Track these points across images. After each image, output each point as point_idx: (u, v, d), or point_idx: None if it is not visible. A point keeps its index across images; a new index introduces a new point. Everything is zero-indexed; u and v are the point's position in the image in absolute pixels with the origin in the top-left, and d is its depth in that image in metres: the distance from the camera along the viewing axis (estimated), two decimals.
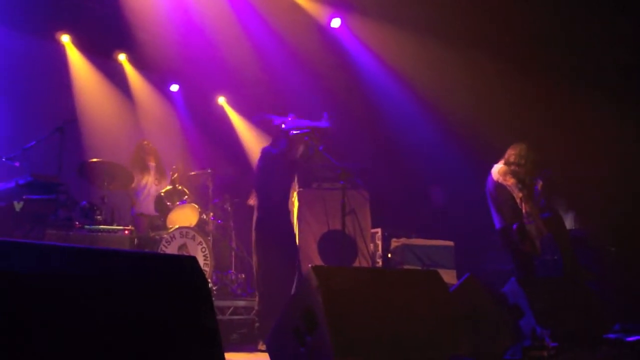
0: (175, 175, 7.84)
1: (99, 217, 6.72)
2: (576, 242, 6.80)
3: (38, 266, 1.99)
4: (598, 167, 7.51)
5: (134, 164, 7.96)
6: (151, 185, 7.99)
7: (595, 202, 7.53)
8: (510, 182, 6.13)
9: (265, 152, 6.13)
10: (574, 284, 5.27)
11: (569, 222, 7.24)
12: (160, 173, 8.13)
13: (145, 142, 8.28)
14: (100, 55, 9.16)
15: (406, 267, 7.72)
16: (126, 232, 6.71)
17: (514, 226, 6.12)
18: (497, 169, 6.28)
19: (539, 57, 7.94)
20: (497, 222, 6.33)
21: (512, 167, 6.20)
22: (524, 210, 6.04)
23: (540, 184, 6.25)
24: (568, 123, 7.78)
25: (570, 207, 7.39)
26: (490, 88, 8.33)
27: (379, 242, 8.27)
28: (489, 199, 6.38)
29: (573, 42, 7.62)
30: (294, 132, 5.91)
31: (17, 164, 6.28)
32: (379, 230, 8.31)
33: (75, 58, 8.80)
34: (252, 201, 6.18)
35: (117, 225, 6.87)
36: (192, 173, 8.46)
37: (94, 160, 7.07)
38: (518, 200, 6.06)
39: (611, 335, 4.95)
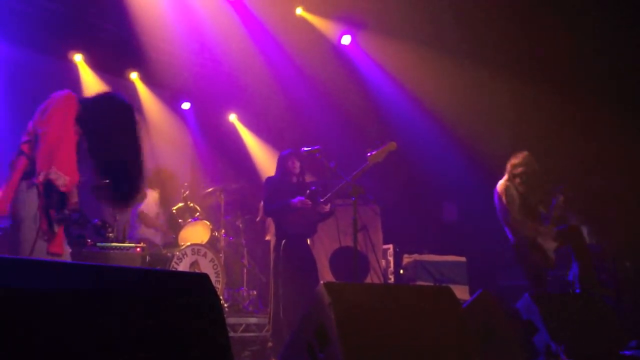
0: (187, 192, 7.86)
1: (111, 234, 6.73)
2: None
3: (49, 284, 1.99)
4: (613, 181, 7.45)
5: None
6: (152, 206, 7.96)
7: (611, 217, 7.47)
8: (504, 200, 6.14)
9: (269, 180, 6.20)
10: (589, 300, 5.21)
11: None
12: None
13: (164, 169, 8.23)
14: (112, 74, 9.22)
15: (418, 283, 7.67)
16: (138, 249, 6.72)
17: (524, 240, 6.10)
18: (499, 185, 6.28)
19: (554, 71, 7.91)
20: (510, 236, 6.31)
21: (515, 180, 6.19)
22: (510, 222, 6.09)
23: (561, 198, 6.21)
24: (583, 136, 7.74)
25: (585, 222, 7.32)
26: (503, 103, 8.31)
27: (391, 258, 8.23)
28: (497, 213, 6.37)
29: (588, 53, 7.59)
30: (305, 149, 5.93)
31: None
32: (390, 246, 8.27)
33: (87, 77, 8.85)
34: (269, 237, 6.25)
35: (129, 243, 6.88)
36: (205, 191, 8.47)
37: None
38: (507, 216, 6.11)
39: (627, 352, 4.88)
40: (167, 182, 8.11)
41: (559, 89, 7.82)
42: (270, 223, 6.19)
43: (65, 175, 3.76)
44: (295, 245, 5.86)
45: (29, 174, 3.74)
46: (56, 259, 3.84)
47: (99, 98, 4.04)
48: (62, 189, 3.75)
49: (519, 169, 6.21)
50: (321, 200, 5.85)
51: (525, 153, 6.28)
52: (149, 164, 8.52)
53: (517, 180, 6.19)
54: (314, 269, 6.01)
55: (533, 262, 6.07)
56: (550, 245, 6.04)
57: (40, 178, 3.66)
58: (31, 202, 3.71)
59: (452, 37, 8.25)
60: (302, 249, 5.98)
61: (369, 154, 5.66)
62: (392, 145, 5.69)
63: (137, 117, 4.12)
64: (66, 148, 3.79)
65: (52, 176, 3.68)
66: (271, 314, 5.88)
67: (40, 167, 3.69)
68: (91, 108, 3.93)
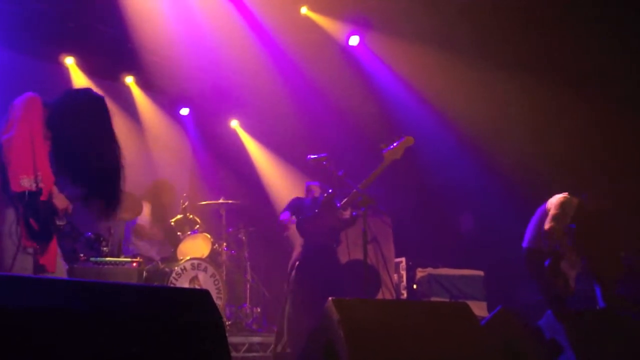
0: (186, 203, 7.87)
1: (105, 248, 6.73)
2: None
3: (40, 302, 1.99)
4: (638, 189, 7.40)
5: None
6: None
7: (637, 227, 7.42)
8: (554, 212, 6.09)
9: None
10: (617, 317, 5.19)
11: None
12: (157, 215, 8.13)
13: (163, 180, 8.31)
14: (106, 78, 9.23)
15: (433, 299, 7.65)
16: (134, 264, 6.72)
17: (546, 262, 6.06)
18: (557, 196, 6.24)
19: (574, 72, 7.87)
20: (527, 241, 6.28)
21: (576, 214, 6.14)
22: (545, 228, 6.03)
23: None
24: (609, 140, 7.70)
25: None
26: (521, 106, 8.29)
27: (404, 273, 8.21)
28: (536, 215, 6.33)
29: (612, 53, 7.56)
30: (312, 156, 5.93)
31: None
32: (403, 259, 8.25)
33: (79, 81, 8.85)
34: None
35: (124, 257, 6.88)
36: (204, 202, 8.48)
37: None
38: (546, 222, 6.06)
39: None
40: (162, 194, 8.13)
41: (581, 90, 7.77)
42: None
43: (41, 181, 3.72)
44: (311, 264, 5.80)
45: (3, 186, 3.70)
46: (47, 275, 3.81)
47: (65, 95, 4.01)
48: (41, 197, 3.71)
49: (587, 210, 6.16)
50: (339, 205, 5.79)
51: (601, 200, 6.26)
52: (144, 174, 8.55)
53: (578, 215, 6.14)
54: (332, 286, 5.87)
55: (555, 288, 6.04)
56: (572, 273, 6.02)
57: (14, 187, 3.61)
58: (8, 216, 3.67)
59: (465, 37, 8.22)
60: (320, 265, 5.86)
61: (384, 151, 5.56)
62: (409, 140, 5.58)
63: (110, 111, 4.08)
64: (37, 153, 3.75)
65: (25, 184, 3.63)
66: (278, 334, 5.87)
67: (10, 175, 3.63)
68: (58, 108, 3.90)
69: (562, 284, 5.96)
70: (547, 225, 6.04)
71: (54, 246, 3.89)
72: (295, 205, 6.11)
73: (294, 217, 6.10)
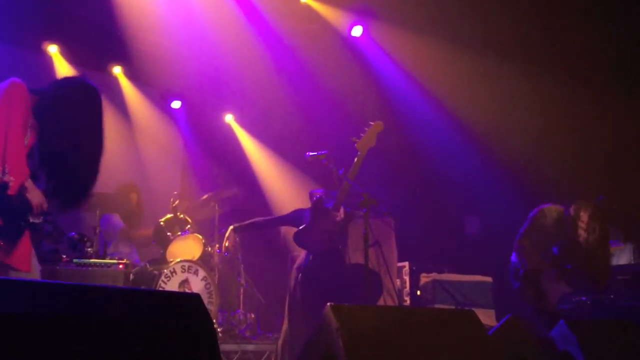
0: (177, 202, 7.85)
1: (89, 249, 6.72)
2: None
3: (20, 306, 1.98)
4: None
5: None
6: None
7: None
8: (525, 228, 6.09)
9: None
10: (633, 327, 5.18)
11: (627, 256, 7.11)
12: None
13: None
14: (92, 68, 9.20)
15: (438, 306, 7.66)
16: (120, 266, 6.70)
17: (521, 271, 6.06)
18: (537, 209, 6.21)
19: (586, 67, 7.88)
20: (514, 259, 6.29)
21: (574, 223, 6.07)
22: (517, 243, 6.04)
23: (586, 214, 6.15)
24: (622, 139, 7.70)
25: (628, 239, 7.26)
26: (531, 103, 8.29)
27: (407, 278, 8.20)
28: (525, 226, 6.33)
29: (628, 46, 7.56)
30: (311, 154, 5.93)
31: None
32: (406, 263, 8.24)
33: (64, 71, 8.83)
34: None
35: (110, 259, 6.87)
36: (196, 199, 8.47)
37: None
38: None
39: None
40: (129, 197, 8.12)
41: (593, 86, 7.78)
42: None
43: (9, 173, 3.69)
44: (313, 273, 5.79)
45: None
46: (21, 275, 3.78)
47: (56, 83, 3.99)
48: (9, 191, 3.69)
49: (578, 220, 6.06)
50: (329, 206, 5.80)
51: (590, 207, 6.14)
52: (133, 170, 8.55)
53: (581, 227, 6.06)
54: (337, 293, 5.87)
55: (528, 299, 6.04)
56: (554, 289, 5.99)
57: None
58: None
59: (472, 29, 8.23)
60: (323, 272, 5.85)
61: (356, 143, 5.64)
62: (378, 125, 5.69)
63: (103, 103, 4.06)
64: (11, 144, 3.72)
65: None
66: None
67: None
68: (47, 96, 3.88)
69: (534, 293, 5.94)
70: (519, 241, 6.06)
71: (26, 244, 3.87)
72: (295, 217, 6.09)
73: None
